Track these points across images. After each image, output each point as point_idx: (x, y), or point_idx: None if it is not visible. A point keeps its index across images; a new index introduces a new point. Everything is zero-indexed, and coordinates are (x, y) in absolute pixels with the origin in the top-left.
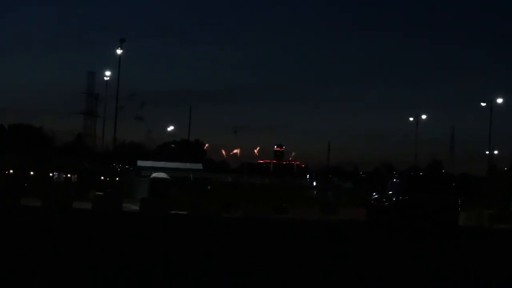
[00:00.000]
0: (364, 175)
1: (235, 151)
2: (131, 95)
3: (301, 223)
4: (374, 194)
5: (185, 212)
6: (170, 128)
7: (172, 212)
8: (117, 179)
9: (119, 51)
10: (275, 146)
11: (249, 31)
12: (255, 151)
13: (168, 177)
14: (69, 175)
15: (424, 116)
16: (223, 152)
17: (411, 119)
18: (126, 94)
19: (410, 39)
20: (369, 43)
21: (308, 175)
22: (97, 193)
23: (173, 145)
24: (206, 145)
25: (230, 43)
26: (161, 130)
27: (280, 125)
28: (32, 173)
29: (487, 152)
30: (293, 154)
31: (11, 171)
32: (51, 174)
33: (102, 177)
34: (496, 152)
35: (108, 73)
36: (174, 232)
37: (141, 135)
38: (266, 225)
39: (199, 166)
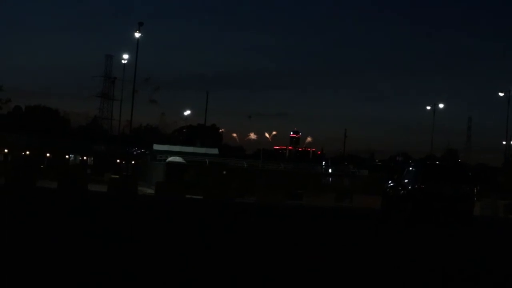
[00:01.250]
0: (379, 163)
1: (250, 135)
2: (146, 79)
3: (313, 210)
4: (390, 182)
5: (200, 197)
6: (187, 112)
7: (187, 196)
8: (133, 162)
9: (137, 35)
10: (291, 133)
11: (267, 17)
12: (268, 136)
13: (184, 161)
14: (85, 158)
15: (441, 105)
16: (235, 135)
17: (428, 108)
18: (143, 77)
19: (429, 29)
20: (387, 32)
21: (323, 162)
22: (112, 176)
23: (184, 130)
24: (221, 130)
25: (248, 28)
26: (177, 114)
27: (296, 112)
28: (48, 154)
29: (503, 143)
30: (308, 140)
31: (27, 152)
32: (67, 156)
33: (118, 160)
34: None
35: (125, 56)
36: (181, 219)
37: (157, 118)
38: (275, 213)
39: (215, 150)
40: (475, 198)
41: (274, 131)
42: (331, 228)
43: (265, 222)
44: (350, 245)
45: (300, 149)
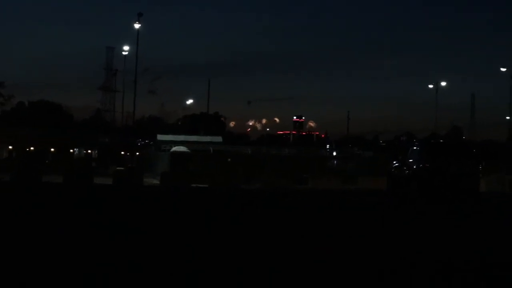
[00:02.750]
0: (384, 144)
1: (251, 123)
2: (145, 69)
3: (321, 197)
4: (394, 162)
5: (205, 185)
6: (189, 101)
7: (193, 185)
8: (138, 153)
9: (137, 25)
10: (295, 117)
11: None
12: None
13: (188, 150)
14: (89, 151)
15: (443, 83)
16: (232, 124)
17: (430, 86)
18: (144, 68)
19: (430, 6)
20: (388, 10)
21: (328, 145)
22: (117, 168)
23: (184, 119)
24: (222, 118)
25: (246, 11)
26: (180, 103)
27: (300, 95)
28: (52, 149)
29: (507, 118)
30: (310, 125)
31: (31, 147)
32: (71, 150)
33: (122, 152)
34: None
35: (126, 47)
36: (182, 209)
37: (157, 109)
38: (279, 199)
39: (219, 139)
40: (480, 175)
41: (277, 115)
42: (337, 218)
43: (271, 213)
44: (356, 236)
45: (304, 133)
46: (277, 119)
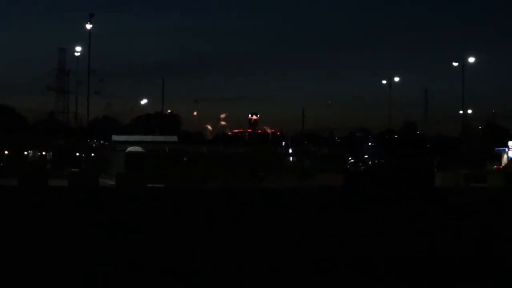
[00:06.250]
0: (339, 140)
1: (208, 126)
2: (93, 70)
3: (273, 193)
4: (350, 159)
5: (161, 185)
6: (143, 101)
7: (149, 185)
8: (93, 154)
9: (88, 26)
10: (250, 115)
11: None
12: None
13: (144, 150)
14: (44, 153)
15: (396, 79)
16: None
17: (384, 82)
18: (97, 69)
19: (382, 2)
20: (341, 7)
21: (283, 143)
22: (72, 170)
23: (133, 122)
24: (169, 110)
25: (198, 11)
26: (131, 104)
27: (254, 94)
28: (6, 152)
29: (460, 112)
30: (266, 130)
31: None
32: (26, 153)
33: (77, 154)
34: (470, 111)
35: (78, 48)
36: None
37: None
38: (233, 200)
39: (174, 138)
40: (435, 169)
41: (230, 114)
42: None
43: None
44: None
45: (259, 131)
46: (224, 122)
